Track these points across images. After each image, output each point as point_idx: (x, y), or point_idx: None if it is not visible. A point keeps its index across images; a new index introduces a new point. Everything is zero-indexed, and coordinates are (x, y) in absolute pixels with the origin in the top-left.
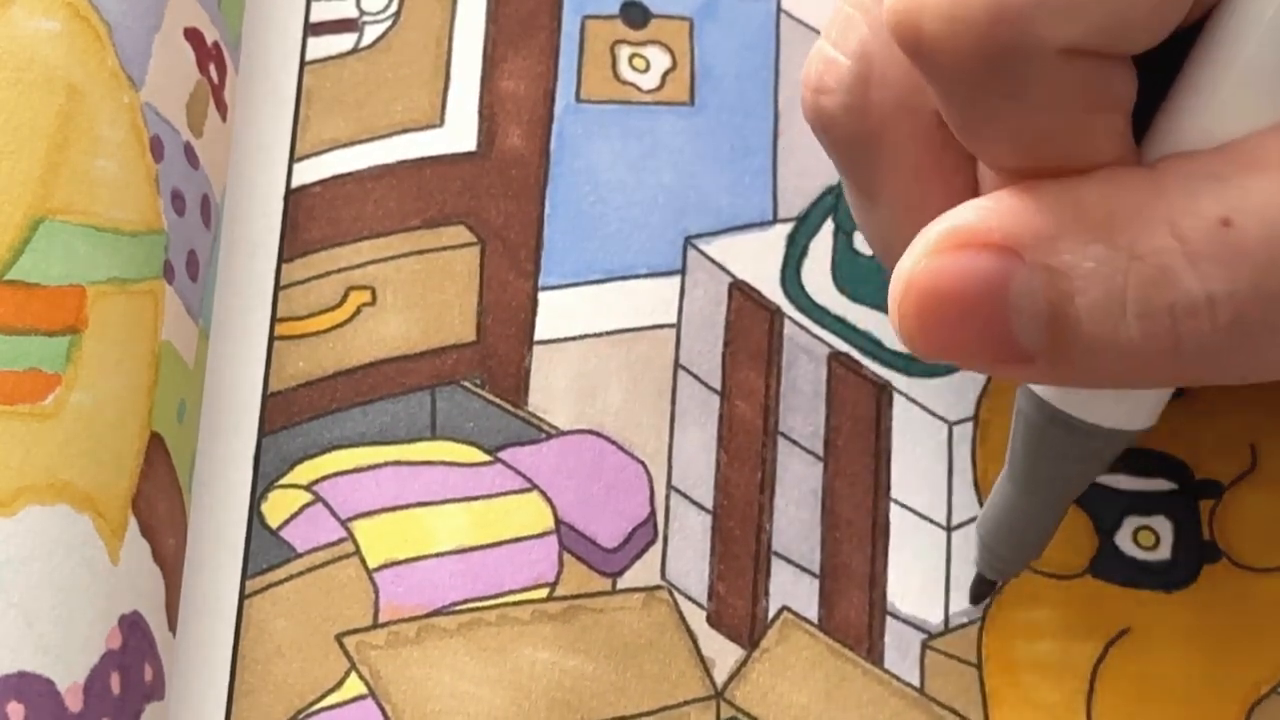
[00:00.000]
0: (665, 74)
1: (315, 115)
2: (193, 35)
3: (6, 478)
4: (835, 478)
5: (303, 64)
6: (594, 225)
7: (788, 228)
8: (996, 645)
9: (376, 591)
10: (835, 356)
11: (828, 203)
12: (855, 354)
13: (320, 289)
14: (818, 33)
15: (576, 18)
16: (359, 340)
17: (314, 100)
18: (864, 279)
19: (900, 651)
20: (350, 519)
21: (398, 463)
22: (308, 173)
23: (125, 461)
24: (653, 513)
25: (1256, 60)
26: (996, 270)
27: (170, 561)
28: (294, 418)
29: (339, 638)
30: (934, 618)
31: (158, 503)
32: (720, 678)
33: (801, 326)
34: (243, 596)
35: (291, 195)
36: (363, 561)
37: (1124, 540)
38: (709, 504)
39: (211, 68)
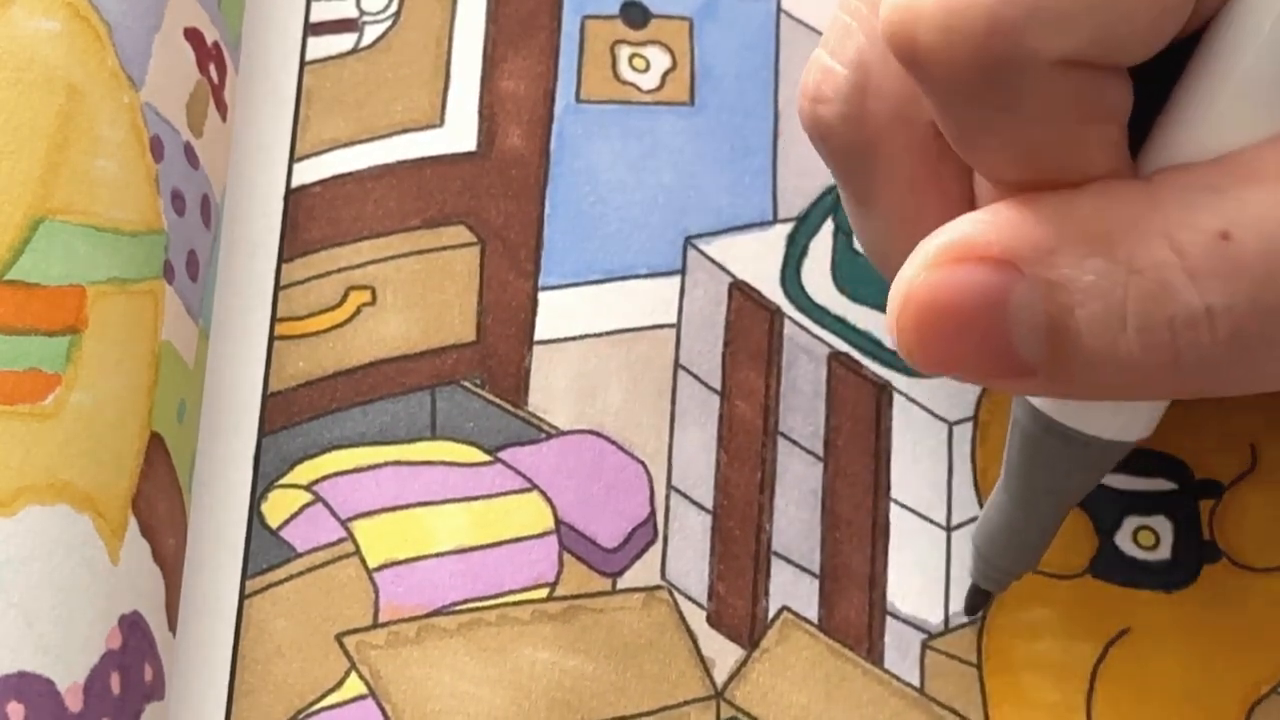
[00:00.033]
0: (665, 74)
1: (315, 115)
2: (193, 35)
3: (6, 478)
4: (835, 478)
5: (303, 64)
6: (594, 225)
7: (788, 228)
8: (996, 645)
9: (376, 591)
10: (835, 356)
11: (828, 203)
12: (855, 354)
13: (320, 289)
14: (818, 33)
15: (576, 18)
16: (359, 340)
17: (314, 100)
18: (864, 279)
19: (900, 651)
20: (350, 519)
21: (398, 463)
22: (308, 173)
23: (125, 461)
24: (653, 513)
25: (1254, 72)
26: (995, 284)
27: (170, 561)
28: (294, 418)
29: (339, 638)
30: (934, 618)
31: (158, 503)
32: (720, 678)
33: (801, 326)
34: (243, 596)
35: (291, 195)
36: (363, 561)
37: (1124, 540)
38: (709, 504)
39: (211, 68)
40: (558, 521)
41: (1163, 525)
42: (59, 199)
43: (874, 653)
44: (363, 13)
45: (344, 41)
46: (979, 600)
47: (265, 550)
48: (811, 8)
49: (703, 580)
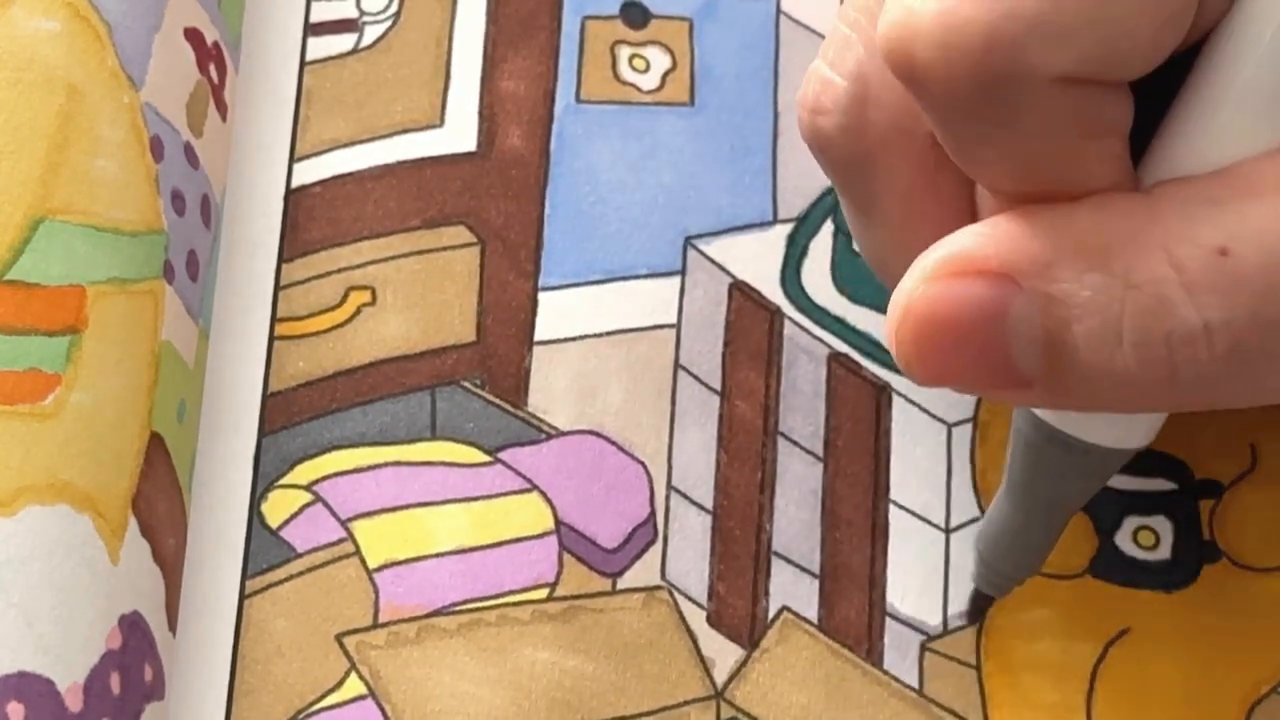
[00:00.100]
0: (665, 74)
1: (315, 115)
2: (193, 35)
3: (6, 478)
4: (835, 478)
5: (303, 64)
6: (594, 225)
7: (788, 228)
8: (996, 646)
9: (376, 591)
10: (835, 357)
11: (828, 203)
12: (855, 354)
13: (320, 289)
14: (817, 34)
15: (576, 18)
16: (359, 340)
17: (314, 100)
18: (864, 280)
19: (900, 652)
20: (350, 519)
21: (398, 463)
22: (308, 173)
23: (125, 461)
24: (653, 513)
25: (1254, 84)
26: (994, 297)
27: (170, 561)
28: (294, 418)
29: (339, 638)
30: (933, 619)
31: (158, 503)
32: (720, 678)
33: (801, 327)
34: (243, 596)
35: (291, 195)
36: (363, 561)
37: (1124, 540)
38: (709, 504)
39: (211, 68)
40: (558, 522)
41: (1163, 525)
42: (59, 199)
43: (873, 653)
44: (363, 13)
45: (344, 42)
46: (981, 605)
47: (265, 550)
48: (811, 8)
49: (703, 580)
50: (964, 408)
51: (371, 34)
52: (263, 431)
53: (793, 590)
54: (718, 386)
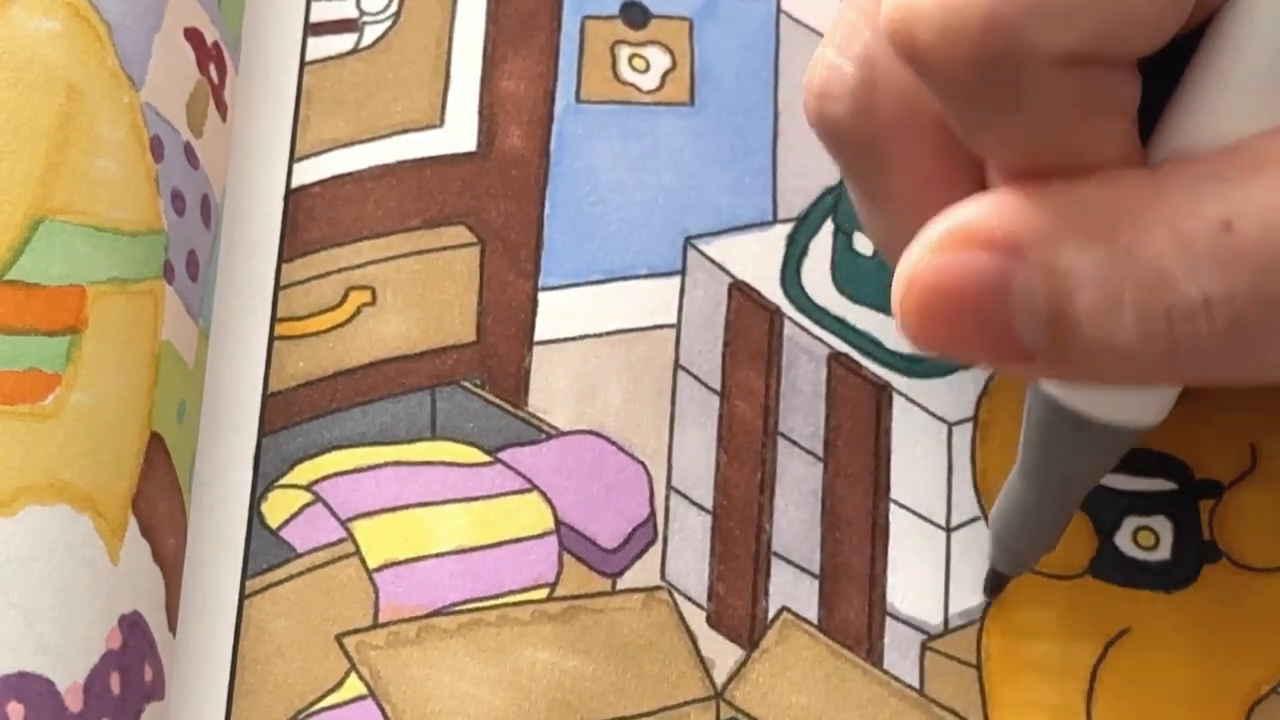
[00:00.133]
0: (665, 74)
1: (315, 115)
2: (193, 35)
3: (6, 478)
4: (835, 478)
5: (303, 64)
6: (594, 225)
7: (788, 228)
8: (996, 646)
9: (376, 592)
10: (835, 357)
11: (828, 203)
12: (855, 354)
13: (320, 289)
14: (817, 33)
15: (576, 18)
16: (359, 340)
17: (314, 100)
18: (864, 279)
19: (900, 652)
20: (350, 519)
21: (398, 463)
22: (308, 173)
23: (125, 461)
24: (653, 513)
25: (1260, 62)
26: (998, 268)
27: (170, 561)
28: (294, 418)
29: (339, 638)
30: (934, 618)
31: (158, 503)
32: (720, 678)
33: (801, 327)
34: (243, 596)
35: (291, 195)
36: (363, 562)
37: (1124, 540)
38: (709, 504)
39: (211, 68)
40: (558, 522)
41: (1163, 525)
42: (59, 199)
43: (874, 653)
44: (363, 13)
45: (344, 41)
46: (998, 583)
47: (265, 550)
48: (811, 8)
49: (703, 580)
50: (964, 406)
51: (371, 34)
52: (263, 431)
53: (793, 590)
54: (718, 386)
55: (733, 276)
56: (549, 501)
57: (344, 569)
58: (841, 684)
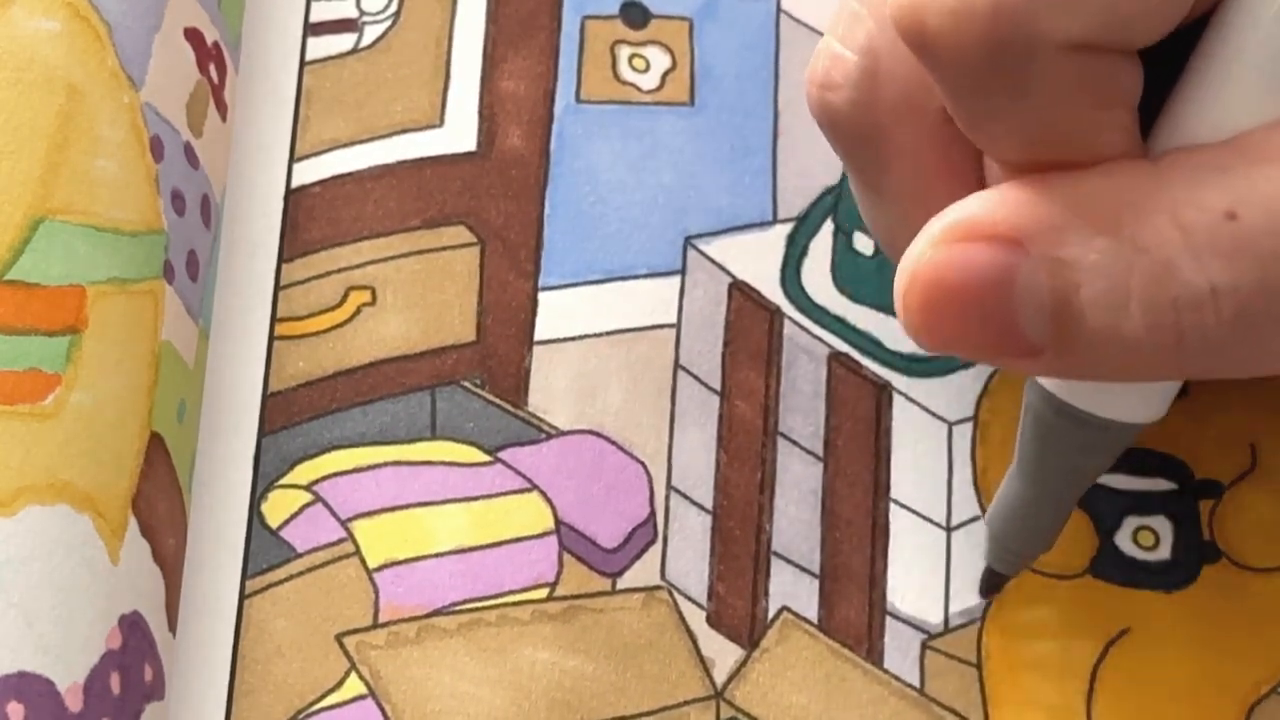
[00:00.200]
0: (665, 74)
1: (315, 115)
2: (193, 35)
3: (6, 478)
4: (835, 478)
5: (303, 64)
6: (594, 225)
7: (788, 228)
8: (996, 645)
9: (376, 591)
10: (835, 356)
11: (827, 203)
12: (855, 354)
13: (320, 289)
14: (817, 33)
15: (576, 18)
16: (359, 340)
17: (314, 100)
18: (864, 279)
19: (900, 652)
20: (350, 519)
21: (398, 463)
22: (308, 173)
23: (125, 461)
24: (653, 513)
25: (1262, 53)
26: (1001, 262)
27: (170, 561)
28: (294, 418)
29: (339, 638)
30: (934, 618)
31: (158, 503)
32: (720, 678)
33: (801, 326)
34: (243, 596)
35: (291, 195)
36: (363, 561)
37: (1124, 540)
38: (709, 504)
39: (211, 68)
40: (558, 521)
41: (1163, 525)
42: (59, 199)
43: (874, 653)
44: (363, 13)
45: (344, 41)
46: (995, 582)
47: (265, 550)
48: (811, 7)
49: (703, 580)
50: (964, 406)
51: (371, 34)
52: (263, 431)
53: (793, 590)
54: (718, 386)
55: (733, 276)
56: (549, 501)
57: (344, 569)
58: (842, 684)
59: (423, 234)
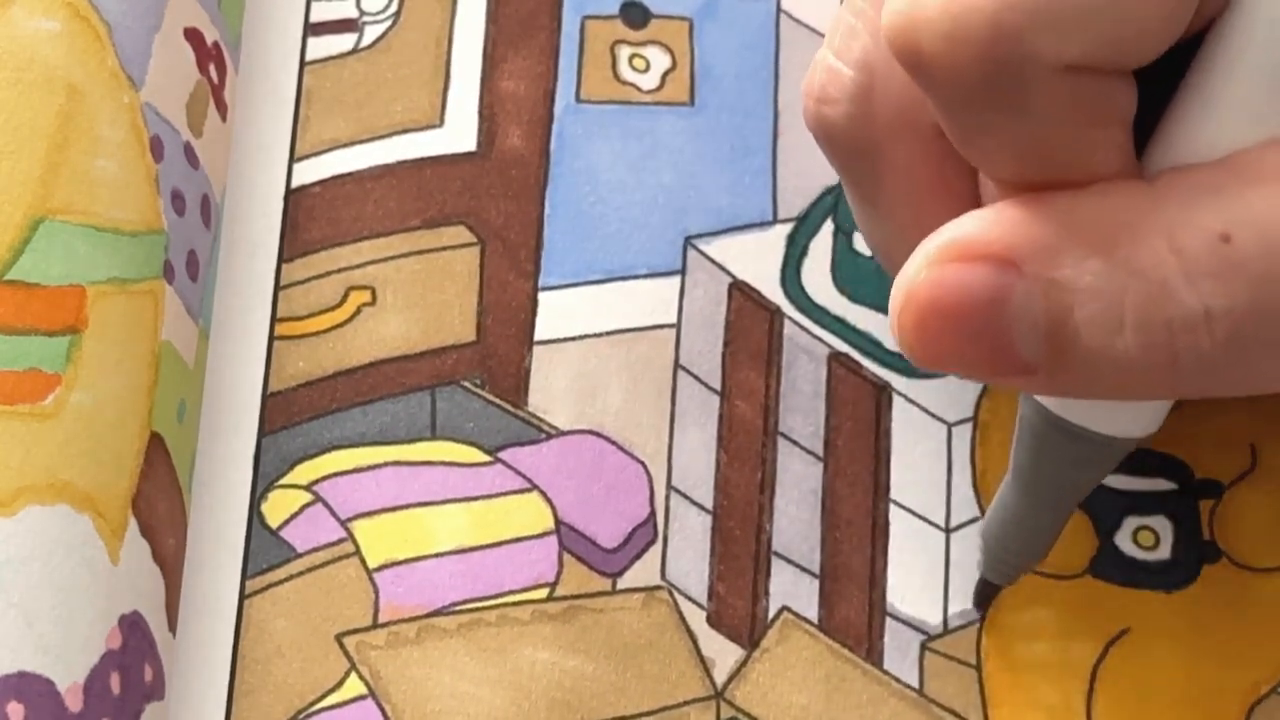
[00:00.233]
0: (665, 74)
1: (315, 115)
2: (193, 35)
3: (6, 478)
4: (835, 478)
5: (303, 64)
6: (594, 225)
7: (788, 228)
8: (996, 646)
9: (376, 591)
10: (835, 357)
11: (828, 203)
12: (855, 354)
13: (320, 289)
14: (818, 33)
15: (576, 18)
16: (359, 340)
17: (314, 100)
18: (864, 279)
19: (900, 652)
20: (350, 519)
21: (398, 463)
22: (308, 173)
23: (125, 461)
24: (653, 513)
25: (1256, 73)
26: (996, 283)
27: (170, 561)
28: (294, 418)
29: (339, 638)
30: (933, 618)
31: (158, 503)
32: (720, 678)
33: (801, 327)
34: (243, 596)
35: (291, 195)
36: (363, 561)
37: (1124, 540)
38: (709, 504)
39: (211, 68)
40: (558, 521)
41: (1163, 525)
42: (59, 199)
43: (874, 653)
44: (363, 13)
45: (344, 41)
46: (988, 593)
47: (265, 550)
48: (811, 8)
49: (703, 580)
50: (964, 407)
51: (371, 34)
52: (263, 431)
53: (793, 590)
54: (718, 386)
55: (733, 276)
56: (549, 501)
57: (344, 569)
58: (841, 684)
59: (423, 234)
